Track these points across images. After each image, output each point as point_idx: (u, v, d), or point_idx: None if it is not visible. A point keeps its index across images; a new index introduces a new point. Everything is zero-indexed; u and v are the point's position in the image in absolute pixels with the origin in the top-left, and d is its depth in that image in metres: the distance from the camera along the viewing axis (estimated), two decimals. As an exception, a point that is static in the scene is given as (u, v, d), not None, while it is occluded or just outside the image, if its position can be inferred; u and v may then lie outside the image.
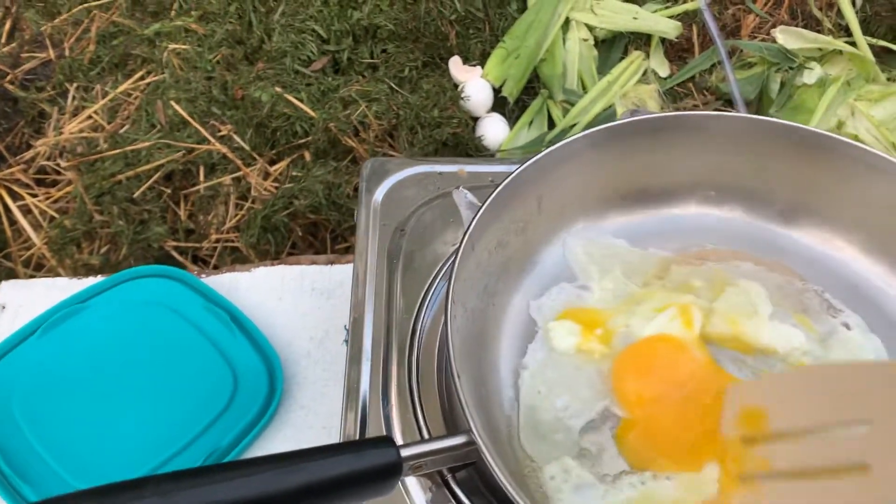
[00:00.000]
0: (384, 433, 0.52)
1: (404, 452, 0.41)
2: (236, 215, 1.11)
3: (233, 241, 1.11)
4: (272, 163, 1.13)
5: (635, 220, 0.59)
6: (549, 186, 0.56)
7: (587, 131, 0.55)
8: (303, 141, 1.11)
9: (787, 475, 0.43)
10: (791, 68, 1.16)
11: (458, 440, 0.43)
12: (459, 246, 0.49)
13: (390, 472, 0.40)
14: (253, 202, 1.11)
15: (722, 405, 0.47)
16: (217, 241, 1.11)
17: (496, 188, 0.52)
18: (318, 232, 1.11)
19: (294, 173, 1.09)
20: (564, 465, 0.47)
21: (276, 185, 1.11)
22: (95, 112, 1.20)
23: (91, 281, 0.75)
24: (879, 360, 0.52)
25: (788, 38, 1.17)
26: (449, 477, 0.50)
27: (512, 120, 1.14)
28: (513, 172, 0.53)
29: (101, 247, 1.10)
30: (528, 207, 0.56)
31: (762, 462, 0.44)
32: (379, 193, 0.65)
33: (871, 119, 1.13)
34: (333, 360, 0.69)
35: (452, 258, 0.49)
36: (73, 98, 1.22)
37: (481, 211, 0.51)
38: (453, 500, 0.50)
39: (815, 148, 0.54)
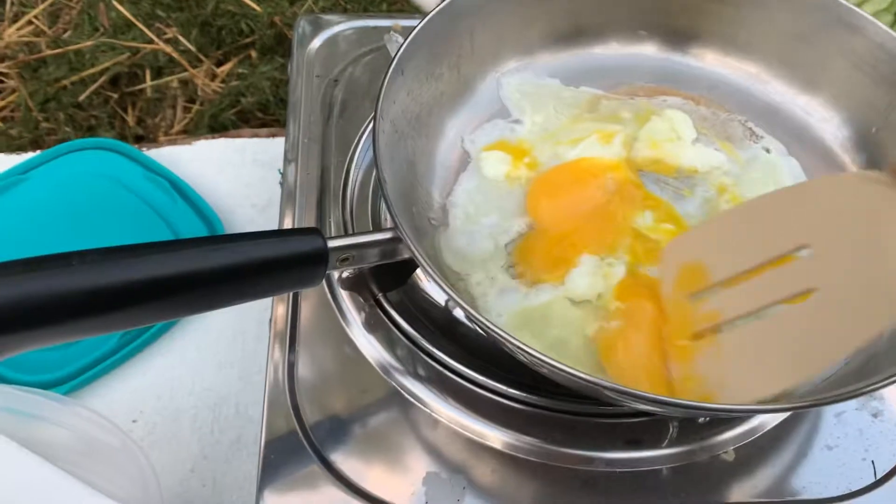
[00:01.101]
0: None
1: (332, 243, 0.42)
2: (184, 118, 1.11)
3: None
4: (219, 63, 1.13)
5: (568, 59, 0.60)
6: (481, 21, 0.57)
7: (514, -34, 0.56)
8: (249, 39, 1.10)
9: (743, 317, 0.43)
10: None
11: (385, 235, 0.44)
12: (388, 67, 0.50)
13: (316, 259, 0.42)
14: (201, 104, 1.11)
15: (660, 266, 0.47)
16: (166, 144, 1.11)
17: (426, 16, 0.53)
18: (268, 133, 1.11)
19: (241, 71, 1.08)
20: (489, 273, 0.49)
21: (224, 85, 1.10)
22: (36, 17, 1.18)
23: (30, 155, 0.75)
24: (800, 182, 0.54)
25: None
26: (381, 296, 0.52)
27: None
28: (442, 3, 0.54)
29: (49, 155, 1.10)
30: (461, 41, 0.57)
31: (713, 314, 0.44)
32: (313, 45, 0.65)
33: None
34: (276, 225, 0.70)
35: (380, 82, 0.50)
36: (12, 3, 1.20)
37: (411, 36, 0.52)
38: (386, 319, 0.52)
39: None
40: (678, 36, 0.60)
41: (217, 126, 1.07)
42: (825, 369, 0.43)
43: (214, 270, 0.39)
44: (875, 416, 0.51)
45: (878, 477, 0.48)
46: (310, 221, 0.56)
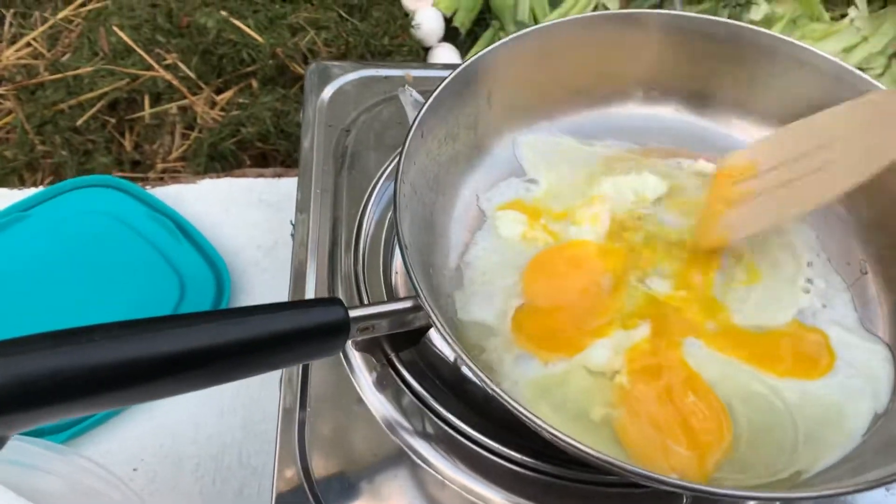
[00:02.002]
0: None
1: (353, 313, 0.42)
2: (182, 145, 1.10)
3: (179, 171, 1.10)
4: (219, 91, 1.12)
5: (583, 118, 0.61)
6: (499, 82, 0.57)
7: (530, 28, 0.56)
8: (250, 68, 1.10)
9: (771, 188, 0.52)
10: (739, 5, 1.19)
11: (405, 304, 0.44)
12: (409, 130, 0.50)
13: (338, 330, 0.41)
14: (200, 131, 1.10)
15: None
16: (163, 171, 1.10)
17: (445, 79, 0.53)
18: (267, 163, 1.10)
19: (241, 100, 1.08)
20: (506, 337, 0.49)
21: (223, 113, 1.10)
22: (35, 39, 1.17)
23: (33, 191, 0.74)
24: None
25: (736, -26, 1.19)
26: (393, 356, 0.52)
27: (463, 51, 1.15)
28: (462, 65, 0.54)
29: (44, 178, 1.08)
30: (478, 102, 0.57)
31: (749, 191, 0.52)
32: (325, 94, 0.65)
33: (813, 56, 1.16)
34: (282, 268, 0.70)
35: (401, 145, 0.50)
36: (10, 25, 1.19)
37: (431, 99, 0.52)
38: (398, 378, 0.51)
39: (736, 42, 0.57)
40: (695, 98, 0.61)
41: (216, 155, 1.06)
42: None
43: (233, 345, 0.39)
44: (888, 490, 0.51)
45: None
46: (321, 277, 0.55)
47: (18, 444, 0.52)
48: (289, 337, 0.40)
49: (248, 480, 0.61)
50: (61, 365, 0.35)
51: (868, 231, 0.56)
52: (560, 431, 0.38)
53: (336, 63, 0.68)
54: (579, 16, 0.57)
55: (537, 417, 0.38)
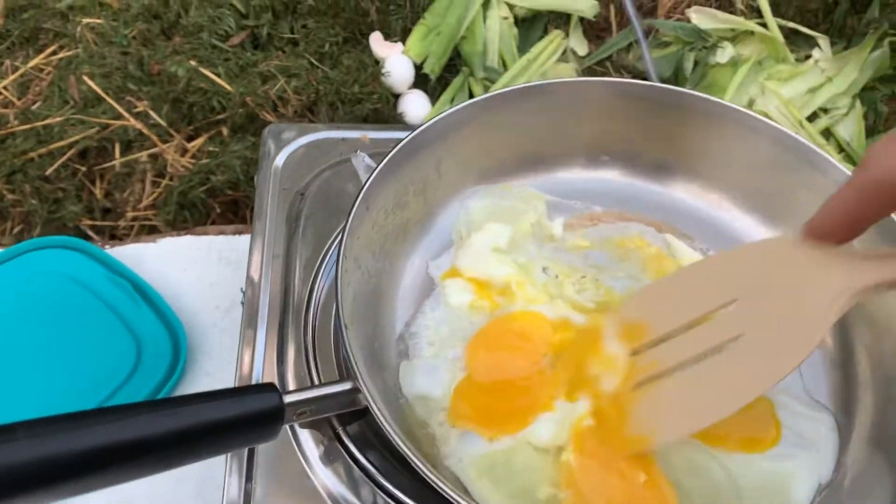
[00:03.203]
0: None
1: (287, 399, 0.42)
2: (153, 193, 1.10)
3: (150, 220, 1.09)
4: (189, 139, 1.12)
5: (532, 183, 0.61)
6: (447, 150, 0.57)
7: (478, 97, 0.57)
8: (220, 116, 1.10)
9: (677, 367, 0.46)
10: (705, 48, 1.20)
11: (343, 387, 0.44)
12: (353, 204, 0.50)
13: (272, 417, 0.41)
14: (170, 179, 1.09)
15: (602, 333, 0.49)
16: (134, 219, 1.09)
17: (392, 150, 0.53)
18: (238, 210, 1.10)
19: (211, 148, 1.08)
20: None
21: (194, 161, 1.10)
22: (5, 87, 1.17)
23: (-10, 252, 0.74)
24: (736, 247, 0.56)
25: (702, 18, 1.21)
26: (340, 430, 0.51)
27: (434, 97, 1.15)
28: (408, 135, 0.54)
29: (14, 227, 1.08)
30: (427, 170, 0.57)
31: (651, 365, 0.47)
32: (280, 158, 0.65)
33: (780, 97, 1.17)
34: (238, 329, 0.69)
35: (345, 220, 0.50)
36: (-19, 73, 1.19)
37: (376, 171, 0.52)
38: (345, 453, 0.51)
39: (678, 106, 0.57)
40: (642, 162, 0.61)
41: (186, 203, 1.06)
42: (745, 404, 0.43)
43: (164, 436, 0.38)
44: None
45: None
46: (270, 349, 0.55)
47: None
48: (222, 426, 0.40)
49: (202, 551, 0.60)
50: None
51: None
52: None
53: (292, 125, 0.68)
54: (524, 84, 0.57)
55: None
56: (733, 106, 0.56)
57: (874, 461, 0.47)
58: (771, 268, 0.43)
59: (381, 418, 0.41)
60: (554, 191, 0.60)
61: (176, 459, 0.39)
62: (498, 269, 0.54)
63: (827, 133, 1.18)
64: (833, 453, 0.49)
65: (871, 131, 1.17)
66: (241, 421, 0.40)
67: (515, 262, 0.54)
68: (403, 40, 1.16)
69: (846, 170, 0.52)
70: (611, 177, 0.61)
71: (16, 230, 1.07)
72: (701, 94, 0.57)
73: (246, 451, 0.52)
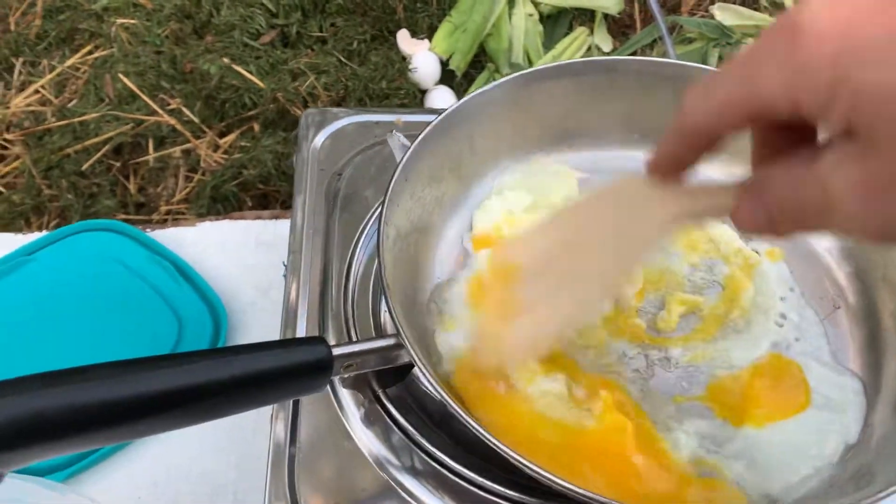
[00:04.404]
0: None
1: (336, 351, 0.44)
2: (186, 187, 1.14)
3: (183, 213, 1.13)
4: (221, 135, 1.16)
5: (561, 158, 0.63)
6: (480, 126, 0.60)
7: (511, 75, 0.59)
8: (252, 112, 1.14)
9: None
10: (728, 44, 1.22)
11: (388, 342, 0.46)
12: (393, 175, 0.53)
13: (322, 368, 0.43)
14: (203, 174, 1.13)
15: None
16: (167, 213, 1.13)
17: (428, 125, 0.56)
18: (268, 203, 1.14)
19: (243, 143, 1.11)
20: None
21: (226, 156, 1.13)
22: (42, 86, 1.21)
23: (38, 235, 0.77)
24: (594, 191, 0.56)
25: (726, 14, 1.23)
26: (380, 392, 0.54)
27: (459, 93, 1.19)
28: (444, 112, 0.57)
29: (51, 221, 1.12)
30: (461, 146, 0.60)
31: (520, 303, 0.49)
32: (318, 140, 0.68)
33: (804, 92, 1.19)
34: (277, 307, 0.71)
35: (386, 189, 0.52)
36: (20, 73, 1.24)
37: (415, 144, 0.55)
38: (385, 414, 0.53)
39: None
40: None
41: (219, 197, 1.10)
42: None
43: (223, 382, 0.41)
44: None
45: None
46: (312, 317, 0.58)
47: (19, 483, 0.54)
48: (275, 375, 0.42)
49: (242, 518, 0.62)
50: (55, 404, 0.37)
51: (840, 266, 0.58)
52: (540, 468, 0.40)
53: (329, 109, 0.71)
54: (555, 63, 0.60)
55: (517, 454, 0.40)
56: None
57: (901, 422, 0.48)
58: (618, 205, 0.46)
59: (423, 367, 0.43)
60: (585, 168, 0.63)
61: (232, 406, 0.42)
62: (508, 229, 0.57)
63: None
64: (860, 416, 0.50)
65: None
66: (293, 370, 0.43)
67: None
68: (430, 37, 1.20)
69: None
70: (642, 155, 0.62)
71: (52, 224, 1.11)
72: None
73: (290, 416, 0.54)
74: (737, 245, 0.58)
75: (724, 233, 0.59)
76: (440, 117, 0.56)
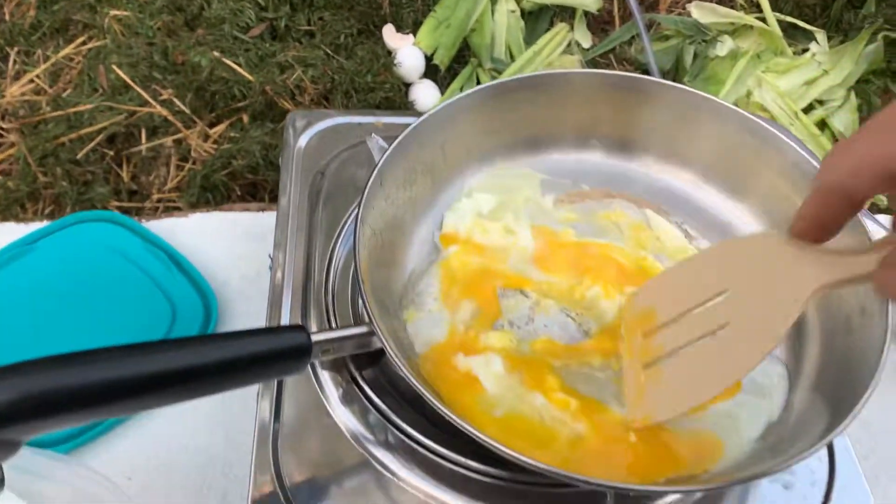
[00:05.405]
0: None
1: (314, 337, 0.51)
2: (177, 176, 1.20)
3: (174, 201, 1.19)
4: (212, 125, 1.22)
5: (526, 163, 0.70)
6: (452, 134, 0.66)
7: (481, 86, 0.66)
8: (241, 104, 1.20)
9: (677, 350, 0.54)
10: (704, 41, 1.29)
11: (361, 329, 0.54)
12: (369, 179, 0.59)
13: (302, 352, 0.51)
14: (193, 163, 1.20)
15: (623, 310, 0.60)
16: (159, 200, 1.19)
17: (402, 133, 0.63)
18: (256, 192, 1.20)
19: (232, 134, 1.18)
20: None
21: (216, 146, 1.20)
22: (37, 76, 1.27)
23: (38, 225, 0.84)
24: (730, 239, 0.65)
25: (703, 12, 1.29)
26: (357, 374, 0.61)
27: (443, 87, 1.25)
28: (417, 121, 0.64)
29: (45, 207, 1.18)
30: (434, 152, 0.66)
31: (658, 349, 0.55)
32: (302, 141, 0.75)
33: (776, 89, 1.26)
34: (264, 296, 0.78)
35: (361, 192, 0.59)
36: (14, 62, 1.29)
37: (388, 151, 0.61)
38: (361, 394, 0.60)
39: (655, 95, 0.67)
40: (625, 145, 0.70)
41: (209, 186, 1.16)
42: (727, 385, 0.53)
43: (214, 364, 0.48)
44: (786, 487, 0.60)
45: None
46: (296, 306, 0.64)
47: (27, 455, 0.61)
48: (260, 358, 0.49)
49: (230, 488, 0.69)
50: (69, 382, 0.45)
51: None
52: (491, 439, 0.47)
53: (314, 111, 0.77)
54: (519, 76, 0.67)
55: (471, 427, 0.47)
56: (705, 95, 0.65)
57: (815, 402, 0.56)
58: (757, 261, 0.51)
59: (391, 352, 0.50)
60: (547, 170, 0.70)
61: (222, 384, 0.49)
62: (477, 231, 0.64)
63: (822, 124, 1.26)
64: (783, 397, 0.58)
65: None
66: (276, 354, 0.50)
67: (500, 224, 0.64)
68: (415, 32, 1.26)
69: (802, 151, 0.61)
70: (598, 158, 0.70)
71: (47, 210, 1.18)
72: (675, 84, 0.66)
73: (274, 395, 0.61)
74: (679, 244, 0.66)
75: (668, 230, 0.66)
76: (413, 125, 0.63)
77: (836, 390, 0.55)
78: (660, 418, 0.55)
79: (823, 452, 0.62)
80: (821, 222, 0.42)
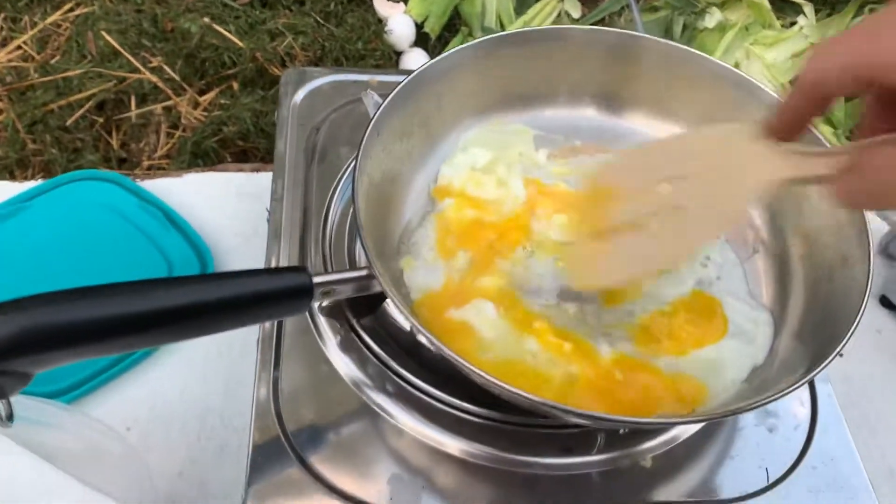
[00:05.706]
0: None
1: (316, 279, 0.53)
2: (167, 143, 1.21)
3: (164, 168, 1.21)
4: (202, 93, 1.23)
5: (520, 118, 0.72)
6: (447, 86, 0.68)
7: (476, 41, 0.67)
8: (231, 71, 1.21)
9: (630, 223, 0.55)
10: (694, 13, 1.31)
11: (361, 272, 0.55)
12: (366, 129, 0.61)
13: (303, 292, 0.52)
14: (183, 130, 1.21)
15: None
16: (149, 168, 1.21)
17: (400, 83, 0.64)
18: (247, 159, 1.21)
19: (223, 101, 1.19)
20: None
21: (206, 113, 1.21)
22: (25, 42, 1.27)
23: (34, 183, 0.85)
24: (698, 127, 0.66)
25: (691, -17, 1.31)
26: (355, 322, 0.63)
27: (434, 55, 1.26)
28: (414, 72, 0.65)
29: (34, 174, 1.19)
30: (429, 104, 0.68)
31: (611, 220, 0.56)
32: (298, 96, 0.76)
33: (763, 60, 1.28)
34: (258, 254, 0.79)
35: (360, 142, 0.61)
36: (1, 28, 1.29)
37: (386, 101, 0.63)
38: (359, 342, 0.62)
39: (645, 51, 0.69)
40: (615, 101, 0.72)
41: (199, 152, 1.17)
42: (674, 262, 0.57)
43: (217, 301, 0.49)
44: (770, 430, 0.62)
45: (770, 482, 0.60)
46: (293, 255, 0.66)
47: (33, 403, 0.62)
48: (262, 297, 0.51)
49: (229, 438, 0.71)
50: (78, 315, 0.46)
51: (760, 216, 0.67)
52: (490, 375, 0.49)
53: (309, 68, 0.79)
54: (515, 31, 0.68)
55: (470, 364, 0.49)
56: (692, 50, 0.67)
57: (797, 348, 0.58)
58: (721, 151, 0.52)
59: (390, 293, 0.52)
60: (540, 126, 0.72)
61: (224, 322, 0.50)
62: (470, 184, 0.66)
63: (807, 95, 1.28)
64: (768, 343, 0.60)
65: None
66: (278, 294, 0.51)
67: (493, 177, 0.66)
68: (405, 0, 1.27)
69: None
70: (590, 114, 0.72)
71: (37, 178, 1.18)
72: (664, 41, 0.68)
73: (273, 342, 0.63)
74: None
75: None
76: (409, 77, 0.64)
77: (819, 334, 0.57)
78: (604, 283, 0.57)
79: (806, 398, 0.65)
80: (795, 116, 0.43)
